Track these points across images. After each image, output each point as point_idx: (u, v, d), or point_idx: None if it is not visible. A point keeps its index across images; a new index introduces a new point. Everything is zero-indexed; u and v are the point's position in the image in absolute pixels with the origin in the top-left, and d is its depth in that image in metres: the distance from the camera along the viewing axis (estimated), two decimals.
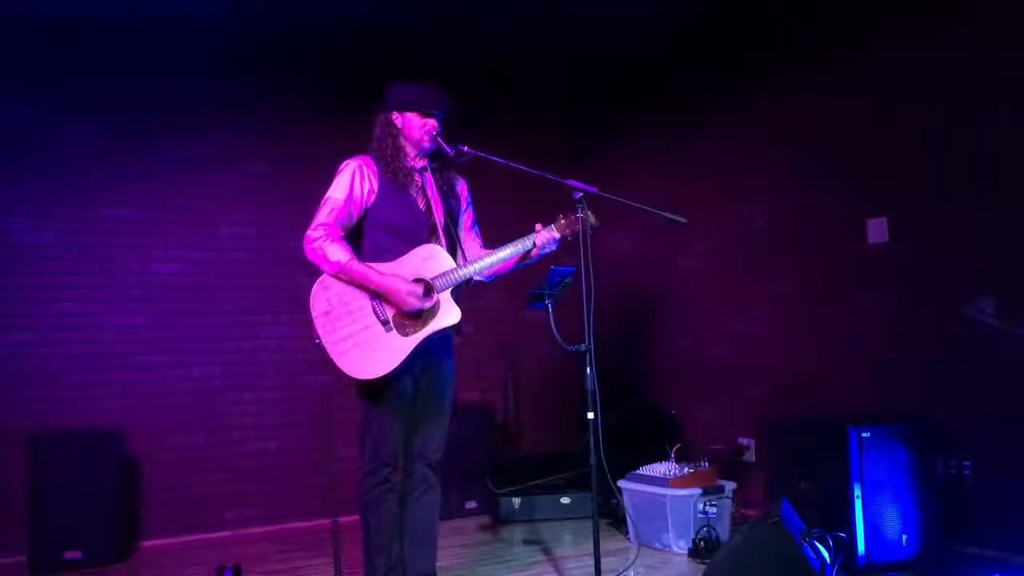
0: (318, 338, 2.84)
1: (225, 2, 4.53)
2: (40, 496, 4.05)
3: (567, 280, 3.15)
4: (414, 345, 2.87)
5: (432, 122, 3.02)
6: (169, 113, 4.81)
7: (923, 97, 3.95)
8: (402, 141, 3.04)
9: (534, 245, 3.01)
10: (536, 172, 3.04)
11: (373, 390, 2.92)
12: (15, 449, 4.18)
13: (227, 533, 4.76)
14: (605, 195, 3.02)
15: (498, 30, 5.12)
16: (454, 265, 2.96)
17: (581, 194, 2.97)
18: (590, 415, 2.95)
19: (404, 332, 2.87)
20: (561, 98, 5.88)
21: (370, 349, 2.84)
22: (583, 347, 2.96)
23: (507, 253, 3.00)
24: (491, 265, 2.99)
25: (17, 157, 4.47)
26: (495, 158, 3.03)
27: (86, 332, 4.55)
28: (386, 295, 2.85)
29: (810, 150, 4.51)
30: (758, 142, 4.81)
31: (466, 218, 3.21)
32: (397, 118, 3.04)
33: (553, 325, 3.09)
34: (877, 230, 4.15)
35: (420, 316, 2.88)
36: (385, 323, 2.87)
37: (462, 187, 3.21)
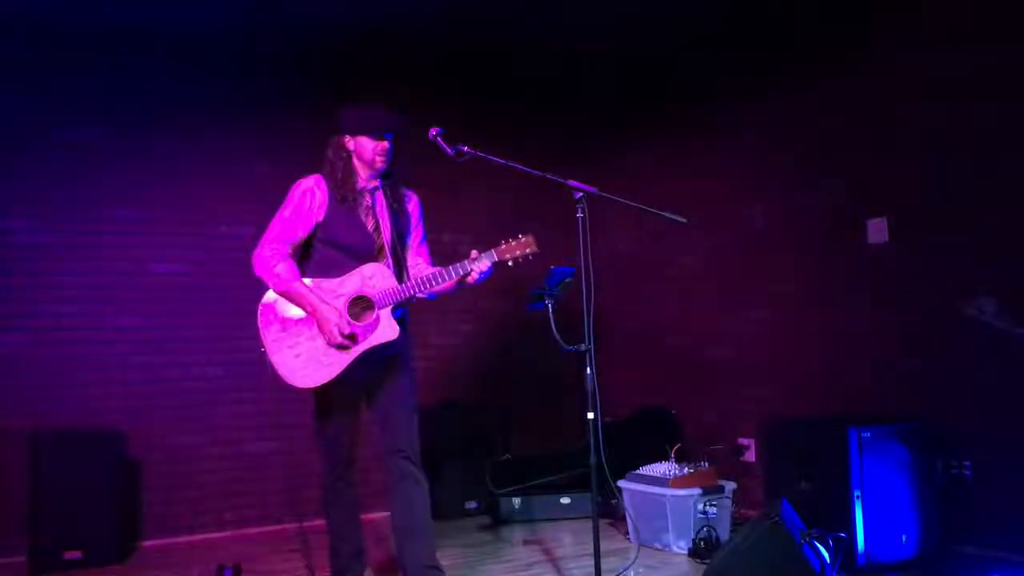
0: (263, 347, 2.99)
1: (226, 3, 4.53)
2: (40, 496, 4.05)
3: (567, 280, 3.15)
4: (351, 359, 2.97)
5: (384, 144, 3.05)
6: (169, 113, 4.81)
7: (923, 97, 3.95)
8: (354, 163, 3.08)
9: (470, 271, 3.03)
10: (536, 172, 3.05)
11: (320, 399, 3.11)
12: (15, 449, 4.18)
13: (227, 533, 4.76)
14: (605, 195, 3.03)
15: (498, 30, 5.12)
16: (396, 284, 3.02)
17: (581, 194, 2.98)
18: (590, 415, 2.95)
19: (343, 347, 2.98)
20: (561, 98, 5.88)
21: (311, 360, 2.97)
22: (583, 347, 2.96)
23: (442, 277, 3.03)
24: (427, 286, 3.03)
25: (17, 157, 4.47)
26: (495, 158, 3.04)
27: (86, 332, 4.55)
28: (318, 321, 2.95)
29: (810, 150, 4.51)
30: (758, 142, 4.81)
31: (415, 235, 3.25)
32: (349, 141, 3.08)
33: (553, 325, 3.10)
34: (877, 230, 4.15)
35: (360, 331, 2.96)
36: None
37: (413, 204, 3.25)
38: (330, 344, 2.95)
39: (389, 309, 3.00)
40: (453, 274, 3.02)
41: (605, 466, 3.06)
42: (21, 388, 4.37)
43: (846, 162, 4.30)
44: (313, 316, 2.96)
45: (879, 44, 4.15)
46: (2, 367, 4.35)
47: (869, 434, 3.51)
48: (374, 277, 3.02)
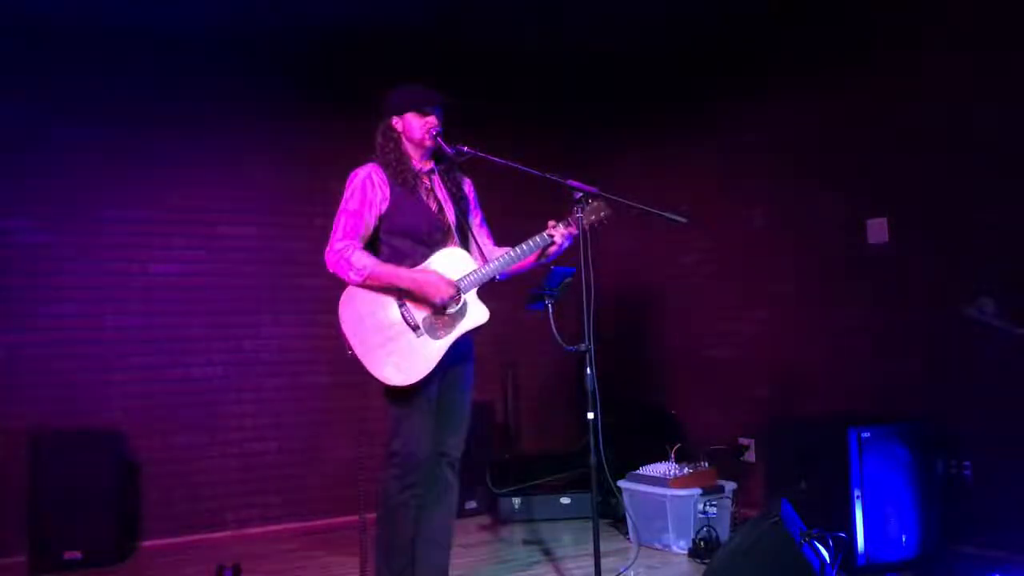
0: (351, 349, 2.87)
1: (225, 2, 4.53)
2: (40, 496, 4.05)
3: (567, 280, 3.15)
4: (447, 347, 2.90)
5: (432, 119, 3.01)
6: (169, 113, 4.81)
7: (923, 97, 3.95)
8: (404, 145, 3.04)
9: (552, 241, 3.00)
10: (536, 172, 3.04)
11: (404, 394, 2.91)
12: (15, 449, 4.18)
13: (227, 533, 4.76)
14: (605, 195, 3.02)
15: (498, 31, 5.12)
16: (476, 265, 2.98)
17: (581, 194, 2.97)
18: (590, 415, 2.95)
19: (435, 335, 2.90)
20: (562, 98, 5.87)
21: (404, 356, 2.86)
22: (583, 347, 2.96)
23: (525, 250, 3.00)
24: (511, 262, 3.00)
25: (17, 157, 4.47)
26: (495, 158, 3.03)
27: (86, 332, 4.55)
28: (419, 290, 2.86)
29: (810, 150, 4.51)
30: (758, 142, 4.81)
31: (475, 217, 3.20)
32: (397, 122, 3.04)
33: (553, 325, 3.09)
34: (877, 230, 4.15)
35: (449, 318, 2.91)
36: (416, 328, 2.89)
37: (469, 187, 3.21)
38: (443, 302, 2.86)
39: (475, 292, 2.95)
40: (534, 246, 2.99)
41: (605, 466, 3.06)
42: (21, 388, 4.37)
43: (846, 162, 4.30)
44: (411, 288, 2.86)
45: (879, 44, 4.15)
46: (2, 367, 4.35)
47: (869, 434, 3.51)
48: (454, 261, 2.96)
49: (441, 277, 2.89)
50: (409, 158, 3.04)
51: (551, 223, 3.02)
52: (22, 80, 4.51)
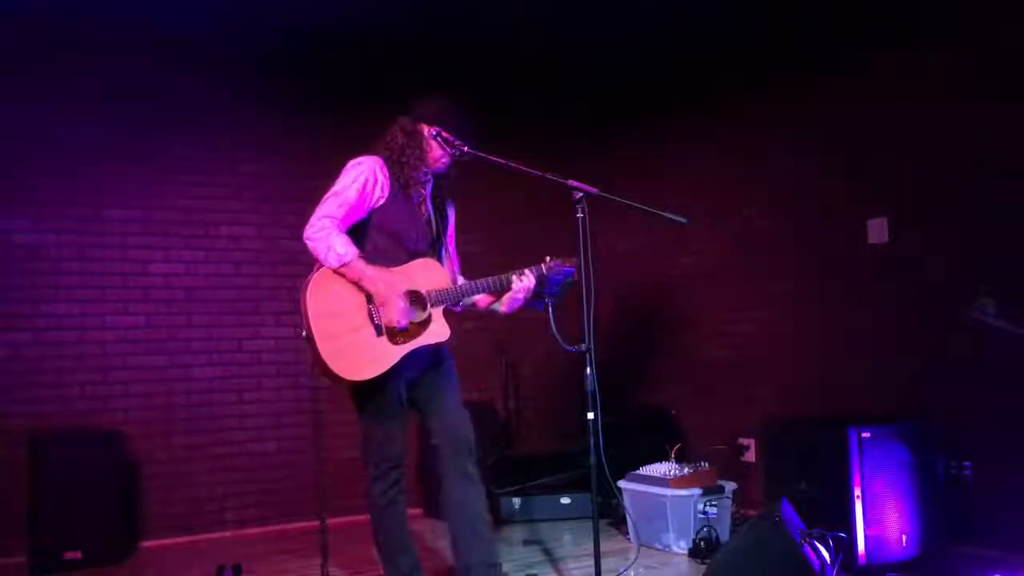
0: (307, 331, 2.79)
1: (225, 3, 4.53)
2: (40, 496, 4.05)
3: (567, 280, 3.15)
4: (402, 355, 2.87)
5: (455, 152, 3.02)
6: (169, 113, 4.81)
7: (923, 97, 3.95)
8: (423, 154, 3.02)
9: (509, 287, 3.03)
10: (536, 172, 3.04)
11: (369, 394, 2.93)
12: (15, 449, 4.18)
13: (227, 533, 4.76)
14: (605, 195, 3.02)
15: (498, 30, 5.12)
16: (449, 284, 2.99)
17: (581, 194, 2.97)
18: (590, 415, 2.94)
19: (394, 340, 2.88)
20: (561, 98, 5.87)
21: (360, 351, 2.83)
22: (583, 347, 2.96)
23: (491, 284, 3.03)
24: (479, 291, 3.03)
25: (17, 157, 4.47)
26: (495, 158, 3.03)
27: (86, 332, 4.55)
28: (379, 303, 2.85)
29: (810, 150, 4.51)
30: (758, 142, 4.81)
31: (451, 242, 3.20)
32: (427, 131, 3.02)
33: (553, 325, 3.09)
34: (877, 230, 4.15)
35: (412, 327, 2.90)
36: (378, 327, 2.87)
37: (452, 211, 3.22)
38: (390, 325, 2.84)
39: (441, 309, 2.95)
40: (497, 284, 3.00)
41: (605, 466, 3.06)
42: (21, 388, 4.37)
43: (846, 162, 4.30)
44: (374, 296, 2.83)
45: (879, 44, 4.15)
46: (2, 367, 4.35)
47: (869, 434, 3.50)
48: (429, 272, 2.96)
49: (402, 307, 2.85)
50: (422, 166, 3.03)
51: (516, 273, 3.05)
52: (22, 80, 4.51)
